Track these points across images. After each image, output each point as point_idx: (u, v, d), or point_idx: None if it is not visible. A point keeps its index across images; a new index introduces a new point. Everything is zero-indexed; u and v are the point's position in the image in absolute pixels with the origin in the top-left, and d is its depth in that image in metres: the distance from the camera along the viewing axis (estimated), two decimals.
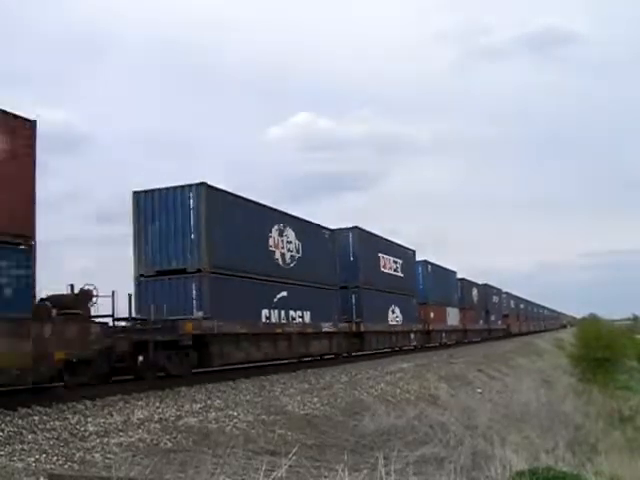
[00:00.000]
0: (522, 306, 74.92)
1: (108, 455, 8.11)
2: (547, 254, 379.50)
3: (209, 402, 12.55)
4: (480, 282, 50.63)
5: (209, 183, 16.28)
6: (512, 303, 66.78)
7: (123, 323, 14.32)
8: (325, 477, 7.91)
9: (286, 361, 19.90)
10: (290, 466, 7.16)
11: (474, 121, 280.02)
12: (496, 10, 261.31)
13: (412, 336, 32.17)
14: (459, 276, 43.44)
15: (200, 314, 15.45)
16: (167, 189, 16.29)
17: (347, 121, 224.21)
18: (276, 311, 18.90)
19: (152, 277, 16.12)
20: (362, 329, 24.74)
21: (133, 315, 14.48)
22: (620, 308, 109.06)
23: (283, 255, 19.70)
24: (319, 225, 22.85)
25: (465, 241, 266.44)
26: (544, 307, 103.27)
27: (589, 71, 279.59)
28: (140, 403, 11.70)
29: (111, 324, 13.42)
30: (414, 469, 7.87)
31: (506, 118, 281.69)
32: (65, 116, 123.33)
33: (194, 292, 15.68)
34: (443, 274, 39.05)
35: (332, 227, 23.85)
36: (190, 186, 16.08)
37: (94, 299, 12.87)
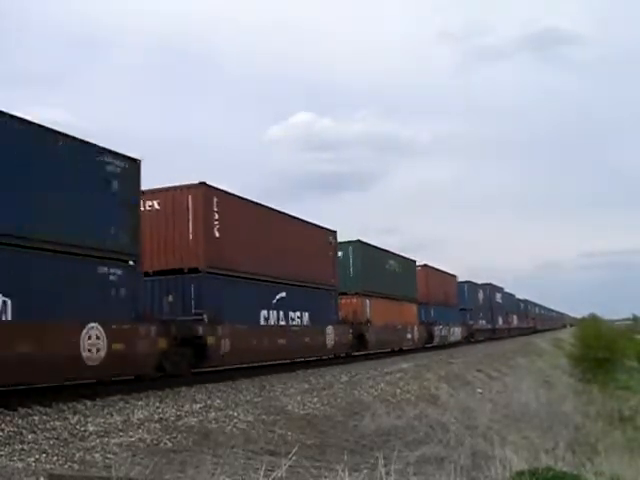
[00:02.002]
0: (542, 311, 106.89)
1: (108, 455, 8.09)
2: (547, 254, 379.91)
3: (209, 402, 12.55)
4: (522, 297, 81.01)
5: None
6: (536, 309, 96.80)
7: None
8: (325, 477, 7.90)
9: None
10: (290, 466, 7.15)
11: (474, 121, 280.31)
12: (497, 11, 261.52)
13: (505, 331, 62.68)
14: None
15: (471, 322, 43.51)
16: None
17: (347, 121, 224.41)
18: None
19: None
20: (496, 327, 55.86)
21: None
22: (620, 308, 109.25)
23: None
24: (476, 283, 50.63)
25: (465, 241, 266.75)
26: (552, 310, 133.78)
27: (590, 71, 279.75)
28: (140, 403, 11.70)
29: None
30: (414, 469, 7.87)
31: (506, 118, 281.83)
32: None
33: (467, 317, 44.11)
34: (510, 296, 69.64)
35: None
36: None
37: None
